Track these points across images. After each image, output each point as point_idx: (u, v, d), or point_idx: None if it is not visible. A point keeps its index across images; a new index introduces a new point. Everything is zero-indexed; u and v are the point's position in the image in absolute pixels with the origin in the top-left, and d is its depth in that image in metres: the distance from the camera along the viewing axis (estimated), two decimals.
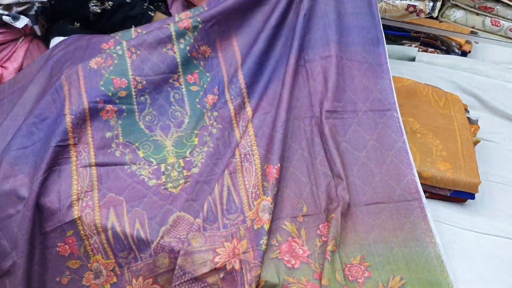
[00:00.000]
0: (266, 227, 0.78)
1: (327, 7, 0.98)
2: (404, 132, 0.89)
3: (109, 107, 0.87)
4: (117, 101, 0.88)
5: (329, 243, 0.76)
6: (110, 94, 0.87)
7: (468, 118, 1.07)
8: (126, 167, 0.86)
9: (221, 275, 0.74)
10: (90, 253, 0.79)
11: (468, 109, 1.12)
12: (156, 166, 0.88)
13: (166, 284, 0.78)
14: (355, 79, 0.94)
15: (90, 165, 0.83)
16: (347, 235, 0.79)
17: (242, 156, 0.89)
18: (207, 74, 0.98)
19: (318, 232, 0.80)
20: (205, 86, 0.97)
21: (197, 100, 0.96)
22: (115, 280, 0.79)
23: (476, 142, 1.00)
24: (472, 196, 0.91)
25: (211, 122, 0.94)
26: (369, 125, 0.89)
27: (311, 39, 0.98)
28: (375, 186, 0.83)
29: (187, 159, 0.90)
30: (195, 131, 0.93)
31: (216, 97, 0.97)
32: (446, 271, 0.72)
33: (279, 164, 0.86)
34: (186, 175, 0.87)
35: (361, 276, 0.73)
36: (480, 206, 0.92)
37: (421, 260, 0.74)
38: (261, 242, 0.77)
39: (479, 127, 1.06)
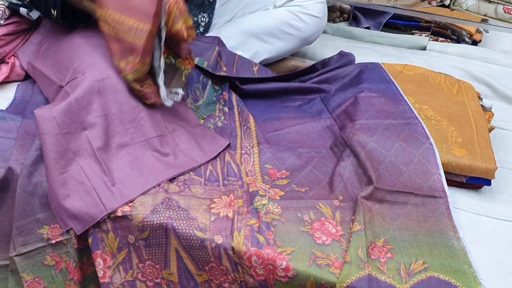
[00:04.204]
0: (261, 192, 0.80)
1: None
2: (430, 136, 0.89)
3: None
4: None
5: (355, 223, 0.76)
6: None
7: (482, 105, 1.06)
8: None
9: (212, 218, 0.75)
10: None
11: (481, 97, 1.11)
12: None
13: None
14: (375, 105, 0.97)
15: None
16: (373, 217, 0.79)
17: (242, 151, 0.92)
18: None
19: (352, 217, 0.79)
20: (223, 86, 1.04)
21: (215, 94, 1.01)
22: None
23: (491, 129, 1.00)
24: (488, 183, 0.90)
25: (219, 114, 0.97)
26: (395, 130, 0.90)
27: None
28: (404, 181, 0.83)
29: None
30: (204, 115, 0.96)
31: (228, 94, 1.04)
32: (470, 261, 0.72)
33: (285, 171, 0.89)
34: None
35: (383, 256, 0.73)
36: (496, 192, 0.91)
37: (445, 249, 0.74)
38: (253, 201, 0.78)
39: (493, 114, 1.05)
